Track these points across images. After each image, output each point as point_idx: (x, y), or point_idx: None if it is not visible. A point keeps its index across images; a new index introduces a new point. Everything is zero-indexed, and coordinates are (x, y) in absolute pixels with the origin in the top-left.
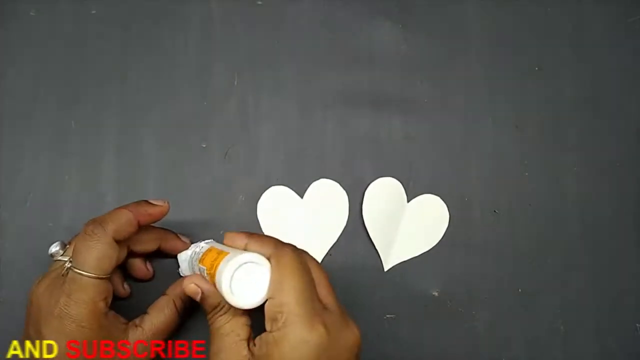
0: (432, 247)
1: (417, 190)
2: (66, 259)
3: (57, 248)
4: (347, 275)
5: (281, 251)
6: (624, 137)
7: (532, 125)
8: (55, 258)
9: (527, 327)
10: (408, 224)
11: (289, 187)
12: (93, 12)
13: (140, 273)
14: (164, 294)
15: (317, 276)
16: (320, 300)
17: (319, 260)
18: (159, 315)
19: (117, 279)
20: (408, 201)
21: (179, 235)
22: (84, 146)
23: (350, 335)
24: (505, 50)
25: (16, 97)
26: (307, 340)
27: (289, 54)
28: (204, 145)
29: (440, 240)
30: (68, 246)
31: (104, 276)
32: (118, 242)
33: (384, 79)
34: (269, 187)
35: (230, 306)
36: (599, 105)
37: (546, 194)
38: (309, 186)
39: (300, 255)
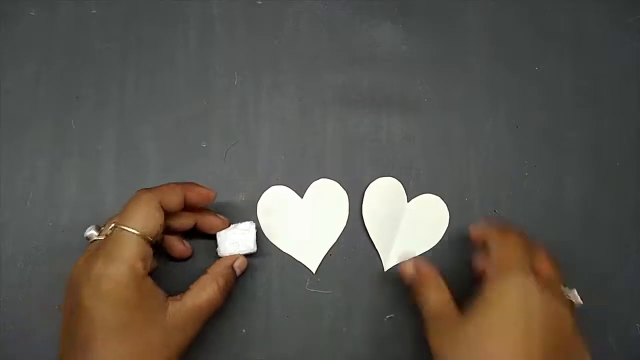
0: (432, 247)
1: (417, 190)
2: (102, 239)
3: (92, 230)
4: (347, 275)
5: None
6: (624, 137)
7: (532, 125)
8: (91, 239)
9: None
10: (408, 224)
11: (288, 187)
12: (93, 12)
13: (178, 250)
14: (204, 272)
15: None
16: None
17: (319, 260)
18: (201, 293)
19: (175, 239)
20: (408, 201)
21: (216, 214)
22: (84, 146)
23: (563, 305)
24: (505, 50)
25: (16, 97)
26: (521, 286)
27: (289, 54)
28: (204, 145)
29: (440, 240)
30: (103, 228)
31: (148, 237)
32: (165, 211)
33: (384, 79)
34: (269, 186)
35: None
36: (599, 105)
37: (546, 194)
38: (308, 186)
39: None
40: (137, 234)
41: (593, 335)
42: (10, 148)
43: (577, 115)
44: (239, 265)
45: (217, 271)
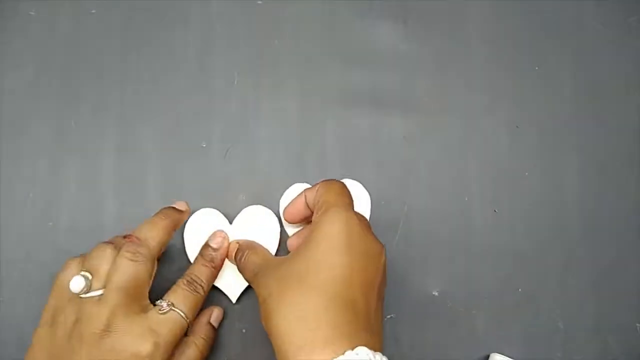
0: (432, 247)
1: (418, 190)
2: (98, 294)
3: (82, 282)
4: None
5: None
6: (624, 137)
7: (532, 125)
8: (82, 293)
9: (527, 327)
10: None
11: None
12: (93, 11)
13: None
14: (185, 335)
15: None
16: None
17: None
18: (182, 358)
19: None
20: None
21: (174, 206)
22: (84, 146)
23: (376, 244)
24: (505, 50)
25: (16, 97)
26: (343, 216)
27: (289, 54)
28: (204, 145)
29: (440, 240)
30: (91, 278)
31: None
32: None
33: (384, 78)
34: (269, 185)
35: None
36: (599, 105)
37: (546, 194)
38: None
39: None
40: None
41: (593, 336)
42: (10, 148)
43: (577, 115)
44: (216, 318)
45: (195, 330)
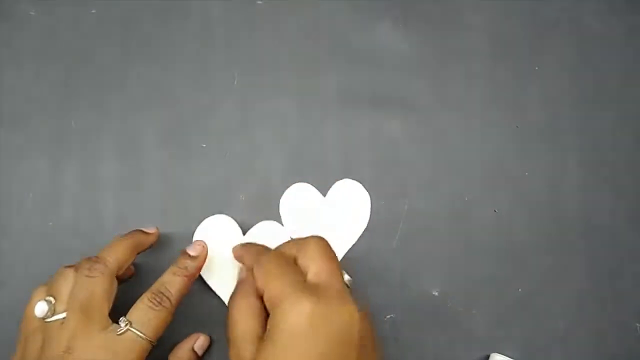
0: (432, 247)
1: (417, 190)
2: (62, 317)
3: (44, 306)
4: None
5: (265, 254)
6: (624, 137)
7: (532, 125)
8: (47, 319)
9: (527, 327)
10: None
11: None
12: (93, 11)
13: (124, 275)
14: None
15: (311, 258)
16: (309, 281)
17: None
18: None
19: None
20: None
21: (143, 230)
22: (84, 146)
23: (345, 311)
24: (505, 50)
25: (16, 97)
26: (296, 310)
27: (289, 54)
28: (204, 145)
29: (440, 240)
30: (54, 302)
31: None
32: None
33: (384, 78)
34: (269, 185)
35: None
36: (599, 105)
37: (546, 194)
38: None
39: (278, 251)
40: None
41: (593, 335)
42: (10, 148)
43: (577, 115)
44: (201, 345)
45: (178, 356)
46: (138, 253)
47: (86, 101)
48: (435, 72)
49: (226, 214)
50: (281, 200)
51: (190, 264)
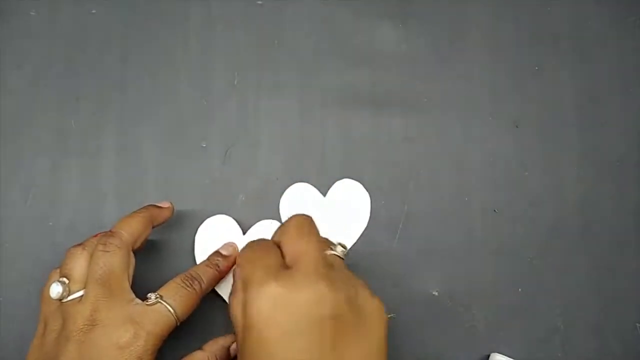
0: (432, 247)
1: (417, 190)
2: (79, 295)
3: (60, 290)
4: None
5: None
6: (624, 137)
7: (532, 125)
8: (64, 300)
9: (527, 327)
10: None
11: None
12: (93, 12)
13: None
14: (200, 348)
15: (287, 240)
16: (282, 265)
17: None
18: None
19: None
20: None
21: (157, 205)
22: (84, 146)
23: (311, 291)
24: (505, 50)
25: (16, 97)
26: (262, 294)
27: (289, 54)
28: (204, 145)
29: (440, 240)
30: (68, 282)
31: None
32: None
33: (384, 78)
34: (269, 185)
35: None
36: (599, 105)
37: (546, 194)
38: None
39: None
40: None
41: (593, 335)
42: (10, 148)
43: (577, 115)
44: (236, 348)
45: (213, 350)
46: (153, 227)
47: (86, 101)
48: (435, 72)
49: (226, 214)
50: (281, 200)
51: (222, 262)
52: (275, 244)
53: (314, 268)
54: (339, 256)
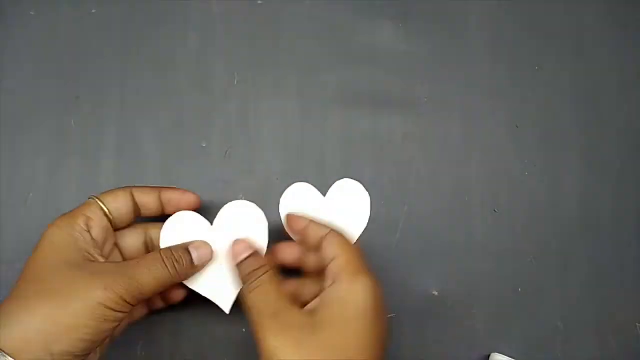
0: (432, 247)
1: (417, 190)
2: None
3: None
4: None
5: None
6: (624, 137)
7: (532, 125)
8: None
9: (527, 327)
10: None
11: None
12: (93, 11)
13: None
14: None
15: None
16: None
17: None
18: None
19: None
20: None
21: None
22: (84, 146)
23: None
24: (505, 50)
25: (16, 97)
26: (375, 291)
27: (289, 54)
28: (204, 145)
29: (440, 240)
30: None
31: (109, 211)
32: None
33: (384, 78)
34: (269, 185)
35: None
36: (599, 105)
37: (546, 194)
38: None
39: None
40: (98, 203)
41: (593, 335)
42: (10, 148)
43: (577, 115)
44: (199, 256)
45: (172, 250)
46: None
47: (86, 101)
48: (435, 72)
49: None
50: (281, 200)
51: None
52: None
53: None
54: None
